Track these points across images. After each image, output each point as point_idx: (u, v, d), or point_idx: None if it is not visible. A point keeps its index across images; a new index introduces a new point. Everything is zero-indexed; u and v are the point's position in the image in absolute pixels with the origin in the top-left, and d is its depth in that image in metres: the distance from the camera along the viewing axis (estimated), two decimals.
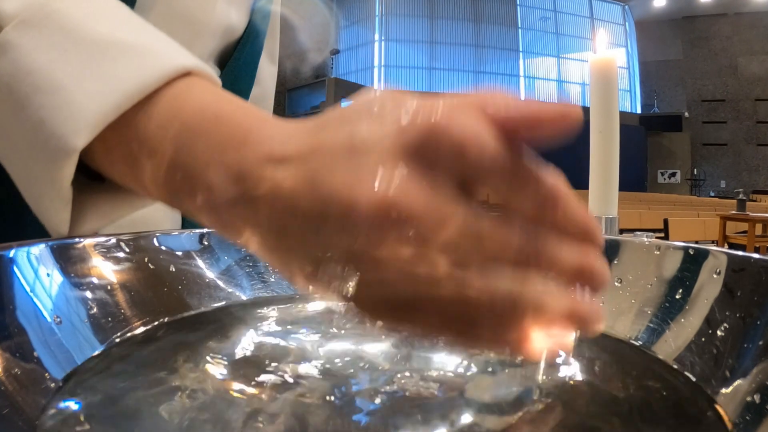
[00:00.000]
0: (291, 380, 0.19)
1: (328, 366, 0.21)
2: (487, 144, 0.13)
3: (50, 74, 0.18)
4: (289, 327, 0.25)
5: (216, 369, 0.20)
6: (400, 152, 0.13)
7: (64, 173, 0.19)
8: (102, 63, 0.18)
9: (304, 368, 0.20)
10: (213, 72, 0.21)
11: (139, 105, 0.18)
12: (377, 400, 0.18)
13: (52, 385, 0.17)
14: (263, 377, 0.19)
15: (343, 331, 0.24)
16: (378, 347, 0.22)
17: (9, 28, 0.19)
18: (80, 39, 0.19)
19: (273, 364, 0.20)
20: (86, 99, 0.18)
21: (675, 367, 0.22)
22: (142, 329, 0.23)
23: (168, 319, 0.24)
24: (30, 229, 0.22)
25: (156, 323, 0.23)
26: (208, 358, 0.21)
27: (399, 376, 0.20)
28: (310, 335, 0.24)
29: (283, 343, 0.23)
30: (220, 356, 0.21)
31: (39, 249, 0.19)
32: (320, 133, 0.15)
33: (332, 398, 0.18)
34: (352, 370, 0.20)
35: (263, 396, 0.18)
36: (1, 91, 0.19)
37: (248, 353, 0.22)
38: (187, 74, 0.19)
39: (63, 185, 0.19)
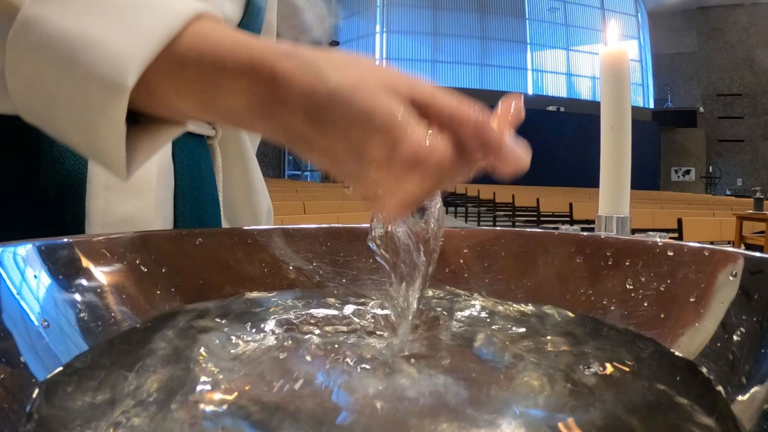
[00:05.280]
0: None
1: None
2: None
3: (84, 35, 0.21)
4: (284, 320, 0.25)
5: (209, 368, 0.20)
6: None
7: (119, 113, 0.21)
8: (127, 18, 0.21)
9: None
10: (218, 12, 0.24)
11: (169, 45, 0.21)
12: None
13: (37, 389, 0.17)
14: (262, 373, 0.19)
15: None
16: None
17: (28, 4, 0.21)
18: (100, 2, 0.21)
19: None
20: (124, 47, 0.21)
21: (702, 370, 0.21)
22: (134, 330, 0.22)
23: (160, 317, 0.24)
24: (17, 230, 0.21)
25: (148, 324, 0.23)
26: (202, 354, 0.20)
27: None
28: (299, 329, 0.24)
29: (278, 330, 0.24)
30: (212, 354, 0.21)
31: (26, 250, 0.19)
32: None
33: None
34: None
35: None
36: (37, 62, 0.21)
37: (241, 352, 0.21)
38: (199, 17, 0.22)
39: (119, 123, 0.21)
